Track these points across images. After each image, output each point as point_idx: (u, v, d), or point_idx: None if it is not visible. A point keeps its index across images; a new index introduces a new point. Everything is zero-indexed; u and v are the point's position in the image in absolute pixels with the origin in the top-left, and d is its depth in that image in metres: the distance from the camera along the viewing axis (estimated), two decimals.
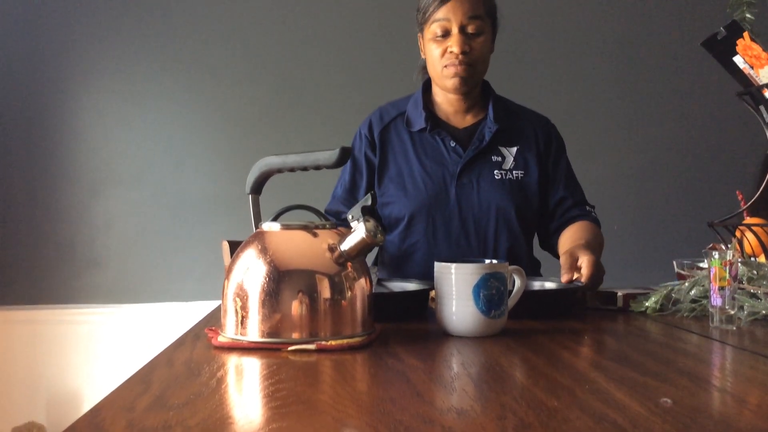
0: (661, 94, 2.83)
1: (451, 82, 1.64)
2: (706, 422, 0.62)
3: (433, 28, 1.61)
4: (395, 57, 2.69)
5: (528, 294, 1.28)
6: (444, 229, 1.66)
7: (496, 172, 1.68)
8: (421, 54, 1.73)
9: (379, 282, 1.35)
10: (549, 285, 1.36)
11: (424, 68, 1.76)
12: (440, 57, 1.62)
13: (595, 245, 1.56)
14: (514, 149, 1.71)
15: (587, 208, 1.76)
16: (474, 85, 1.68)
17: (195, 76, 2.72)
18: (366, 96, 2.68)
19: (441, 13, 1.60)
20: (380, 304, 1.09)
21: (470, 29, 1.60)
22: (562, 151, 1.79)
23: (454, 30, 1.60)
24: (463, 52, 1.60)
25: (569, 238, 1.64)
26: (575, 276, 1.35)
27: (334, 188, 1.81)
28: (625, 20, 2.83)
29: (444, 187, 1.66)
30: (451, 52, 1.60)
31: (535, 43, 2.78)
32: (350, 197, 1.75)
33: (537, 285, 1.38)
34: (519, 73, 2.69)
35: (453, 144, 1.68)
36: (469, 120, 1.73)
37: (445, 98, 1.72)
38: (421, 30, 1.67)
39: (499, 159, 1.69)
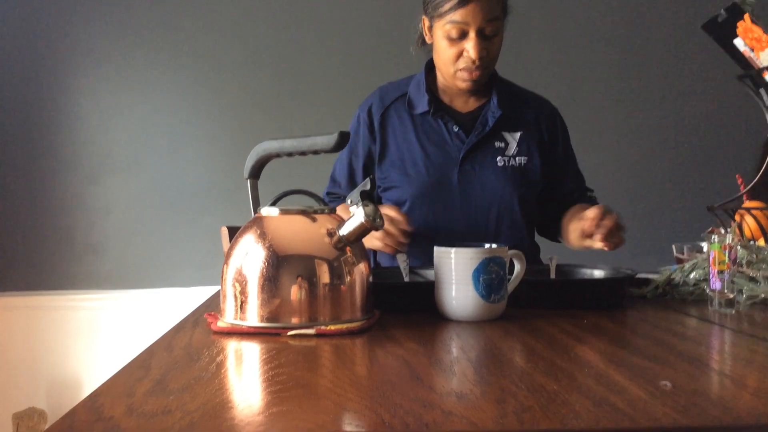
0: (660, 77, 2.82)
1: (463, 85, 1.61)
2: (705, 405, 0.62)
3: (448, 28, 1.54)
4: (393, 42, 2.67)
5: (579, 283, 1.27)
6: (445, 214, 1.65)
7: (498, 158, 1.66)
8: (425, 35, 1.67)
9: (413, 270, 1.32)
10: (598, 273, 1.30)
11: (423, 41, 1.70)
12: (454, 59, 1.57)
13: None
14: (518, 134, 1.69)
15: (589, 193, 1.76)
16: (483, 83, 1.65)
17: (192, 63, 2.70)
18: (364, 81, 2.66)
19: (459, 15, 1.52)
20: (422, 293, 1.10)
21: (487, 31, 1.55)
22: (567, 139, 1.78)
23: (472, 34, 1.53)
24: (480, 58, 1.55)
25: (573, 214, 1.62)
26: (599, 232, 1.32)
27: (333, 170, 1.79)
28: (625, 2, 2.82)
29: (446, 172, 1.65)
30: (467, 57, 1.55)
31: (534, 28, 2.77)
32: (348, 181, 1.74)
33: (586, 273, 1.32)
34: (517, 58, 2.67)
35: (456, 129, 1.67)
36: (472, 104, 1.71)
37: (449, 84, 1.69)
38: (431, 19, 1.61)
39: (502, 145, 1.68)
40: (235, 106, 2.71)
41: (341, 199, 1.72)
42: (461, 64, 1.57)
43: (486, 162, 1.66)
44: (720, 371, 0.77)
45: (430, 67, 1.73)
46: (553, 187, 1.73)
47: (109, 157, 2.69)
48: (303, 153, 1.06)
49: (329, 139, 1.02)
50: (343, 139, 1.01)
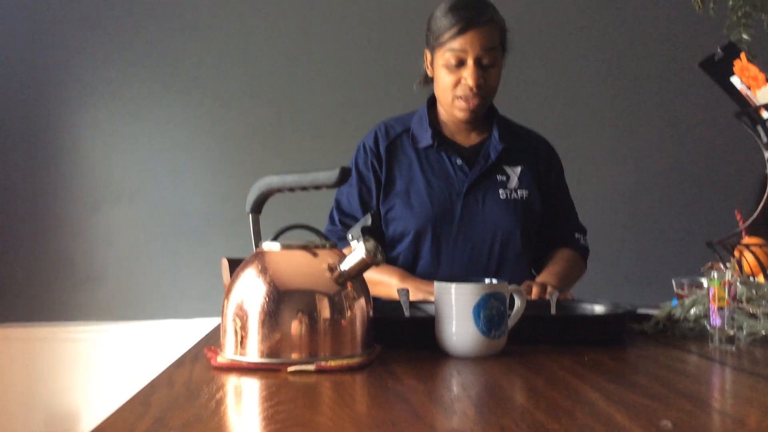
0: (659, 113, 2.84)
1: (461, 114, 1.64)
2: None
3: (447, 57, 1.59)
4: (395, 75, 2.70)
5: (579, 319, 1.27)
6: (448, 247, 1.66)
7: (501, 191, 1.68)
8: (427, 69, 1.71)
9: (413, 305, 1.32)
10: (598, 309, 1.30)
11: (425, 78, 1.75)
12: (452, 86, 1.61)
13: (563, 274, 1.63)
14: (518, 169, 1.72)
15: (576, 236, 1.79)
16: (481, 114, 1.68)
17: (195, 94, 2.73)
18: (367, 114, 2.68)
19: (457, 43, 1.57)
20: (423, 328, 1.10)
21: (485, 61, 1.59)
22: (562, 176, 1.82)
23: (470, 62, 1.58)
24: (477, 86, 1.59)
25: (546, 266, 1.68)
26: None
27: (336, 204, 1.77)
28: (623, 41, 2.85)
29: (450, 204, 1.67)
30: (465, 84, 1.59)
31: (535, 62, 2.80)
32: (363, 213, 1.72)
33: (587, 309, 1.32)
34: (518, 90, 2.70)
35: (459, 162, 1.69)
36: (474, 138, 1.74)
37: (450, 118, 1.72)
38: (432, 50, 1.66)
39: (504, 178, 1.70)
40: (236, 137, 2.73)
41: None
42: (459, 91, 1.61)
43: (489, 195, 1.68)
44: (721, 410, 0.77)
45: (432, 103, 1.75)
46: (544, 223, 1.75)
47: (111, 186, 2.70)
48: (304, 188, 1.06)
49: (331, 175, 1.03)
50: (345, 174, 1.02)
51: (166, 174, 2.71)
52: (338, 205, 1.77)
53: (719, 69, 1.40)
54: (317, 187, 1.06)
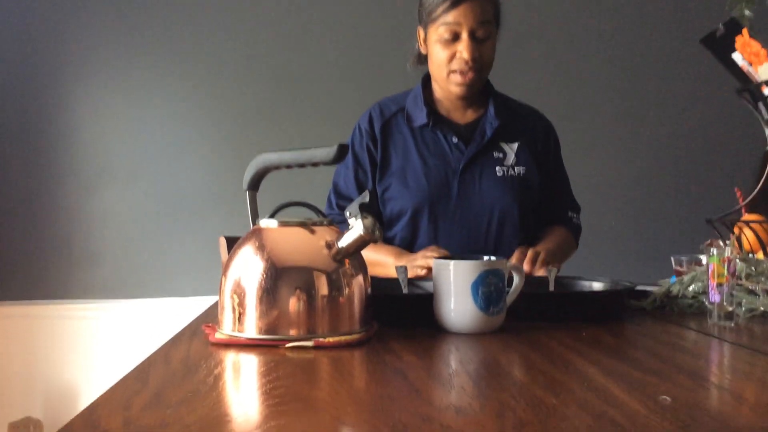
0: (659, 90, 2.83)
1: (457, 89, 1.62)
2: (704, 419, 0.62)
3: (441, 31, 1.57)
4: (393, 52, 2.68)
5: (578, 295, 1.27)
6: (446, 224, 1.66)
7: (498, 168, 1.68)
8: (420, 47, 1.70)
9: (411, 282, 1.32)
10: (597, 286, 1.30)
11: (419, 57, 1.74)
12: (447, 61, 1.60)
13: (553, 251, 1.61)
14: (515, 145, 1.71)
15: (570, 214, 1.79)
16: (477, 89, 1.67)
17: (192, 72, 2.71)
18: (364, 92, 2.67)
19: (451, 16, 1.56)
20: (421, 305, 1.10)
21: (479, 34, 1.57)
22: (559, 153, 1.82)
23: (464, 35, 1.56)
24: (473, 59, 1.57)
25: (539, 242, 1.68)
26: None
27: (333, 187, 1.77)
28: (624, 17, 2.83)
29: (446, 182, 1.66)
30: (460, 58, 1.58)
31: (533, 41, 2.77)
32: (359, 194, 1.72)
33: (585, 286, 1.32)
34: (517, 71, 2.68)
35: (455, 140, 1.68)
36: (469, 116, 1.73)
37: (445, 95, 1.70)
38: (425, 26, 1.64)
39: (501, 155, 1.69)
40: (234, 116, 2.71)
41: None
42: (454, 65, 1.60)
43: (485, 172, 1.67)
44: (719, 385, 0.77)
45: (427, 81, 1.74)
46: (540, 200, 1.74)
47: (107, 166, 2.69)
48: (302, 165, 1.06)
49: (328, 152, 1.02)
50: (342, 151, 1.01)
51: (163, 152, 2.70)
52: (335, 188, 1.77)
53: (721, 45, 1.39)
54: (315, 164, 1.05)
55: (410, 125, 1.71)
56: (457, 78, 1.61)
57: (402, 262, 1.50)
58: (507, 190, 1.66)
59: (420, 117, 1.69)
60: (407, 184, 1.67)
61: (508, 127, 1.71)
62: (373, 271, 1.50)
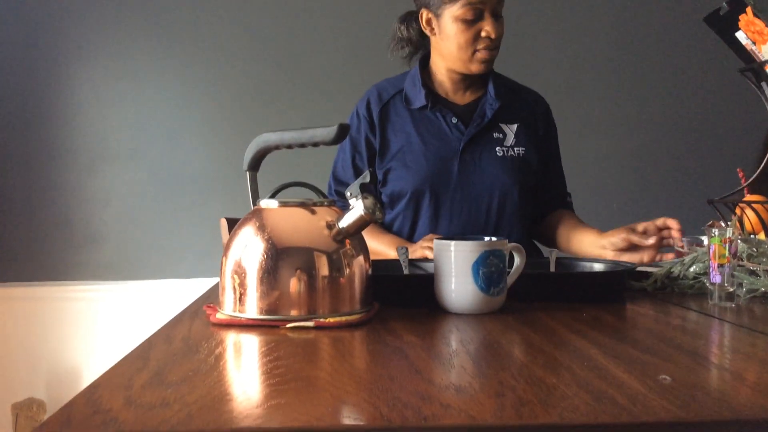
0: (661, 70, 2.81)
1: (480, 67, 1.63)
2: (704, 399, 0.62)
3: (463, 12, 1.57)
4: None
5: (578, 276, 1.27)
6: (446, 205, 1.66)
7: (498, 148, 1.68)
8: (425, 30, 1.68)
9: (412, 263, 1.32)
10: (597, 266, 1.30)
11: (408, 40, 1.74)
12: (471, 40, 1.59)
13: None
14: (515, 126, 1.71)
15: (569, 199, 1.82)
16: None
17: (192, 53, 2.70)
18: (364, 72, 2.65)
19: None
20: (421, 286, 1.10)
21: (498, 11, 1.60)
22: (557, 138, 1.82)
23: (488, 14, 1.58)
24: (498, 37, 1.59)
25: (576, 226, 1.66)
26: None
27: (334, 170, 1.78)
28: None
29: (446, 163, 1.66)
30: (486, 36, 1.58)
31: (534, 20, 2.75)
32: (353, 180, 1.72)
33: (586, 266, 1.31)
34: (517, 51, 2.66)
35: (455, 120, 1.68)
36: (468, 97, 1.72)
37: (447, 76, 1.70)
38: (435, 8, 1.62)
39: (500, 136, 1.69)
40: (234, 96, 2.70)
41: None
42: (480, 44, 1.60)
43: (485, 152, 1.67)
44: (719, 365, 0.77)
45: (424, 64, 1.74)
46: (539, 184, 1.75)
47: (108, 146, 2.68)
48: (302, 145, 1.05)
49: (329, 132, 1.02)
50: (343, 131, 1.01)
51: (163, 133, 2.69)
52: (333, 173, 1.77)
53: (724, 23, 1.38)
54: (315, 144, 1.05)
55: (409, 107, 1.70)
56: (482, 55, 1.61)
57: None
58: (507, 170, 1.66)
59: (419, 98, 1.69)
60: (407, 166, 1.67)
61: (507, 108, 1.70)
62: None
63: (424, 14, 1.65)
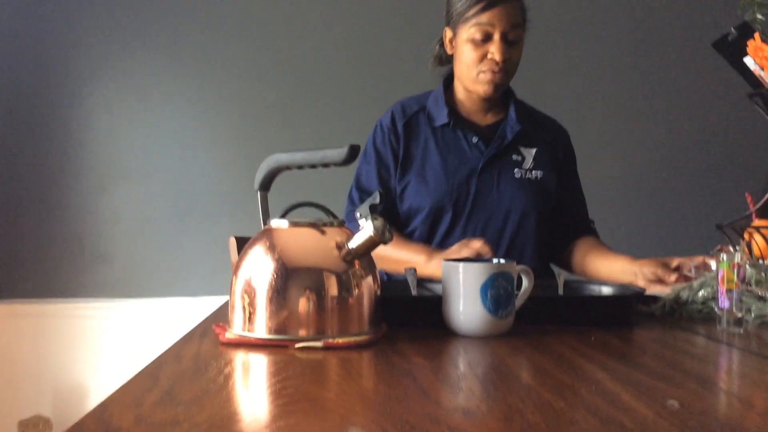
0: (670, 94, 2.82)
1: (484, 89, 1.65)
2: (713, 425, 0.62)
3: (473, 32, 1.60)
4: (406, 53, 2.68)
5: (587, 300, 1.26)
6: (462, 223, 1.67)
7: (516, 170, 1.70)
8: (446, 47, 1.72)
9: (421, 284, 1.32)
10: (606, 290, 1.29)
11: (440, 58, 1.77)
12: (477, 61, 1.62)
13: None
14: (533, 150, 1.73)
15: (592, 225, 1.82)
16: (502, 91, 1.70)
17: (203, 72, 2.72)
18: (376, 92, 2.68)
19: (485, 17, 1.58)
20: (430, 307, 1.10)
21: (511, 37, 1.61)
22: (576, 165, 1.84)
23: (496, 36, 1.59)
24: (503, 60, 1.60)
25: (605, 252, 1.66)
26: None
27: (356, 183, 1.77)
28: (635, 21, 2.82)
29: (465, 181, 1.68)
30: (491, 59, 1.60)
31: (544, 41, 2.77)
32: (387, 196, 1.72)
33: (595, 290, 1.31)
34: (527, 70, 2.68)
35: (475, 140, 1.70)
36: (489, 118, 1.75)
37: (468, 96, 1.73)
38: (453, 27, 1.66)
39: (519, 158, 1.71)
40: (245, 115, 2.73)
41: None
42: (484, 66, 1.62)
43: (504, 173, 1.69)
44: (727, 391, 0.77)
45: (448, 83, 1.77)
46: (561, 211, 1.75)
47: (119, 164, 2.70)
48: (313, 166, 1.06)
49: (340, 153, 1.02)
50: (354, 152, 1.02)
51: (174, 152, 2.72)
52: (357, 184, 1.77)
53: (732, 49, 1.39)
54: (326, 165, 1.06)
55: (431, 124, 1.72)
56: (485, 77, 1.63)
57: (434, 261, 1.49)
58: (524, 193, 1.68)
59: (441, 116, 1.71)
60: (427, 182, 1.68)
61: (527, 132, 1.73)
62: (397, 269, 1.51)
63: (447, 33, 1.70)
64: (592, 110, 2.78)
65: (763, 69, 1.36)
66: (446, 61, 1.77)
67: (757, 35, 1.38)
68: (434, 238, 1.69)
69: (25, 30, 2.68)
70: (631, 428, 0.60)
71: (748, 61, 1.38)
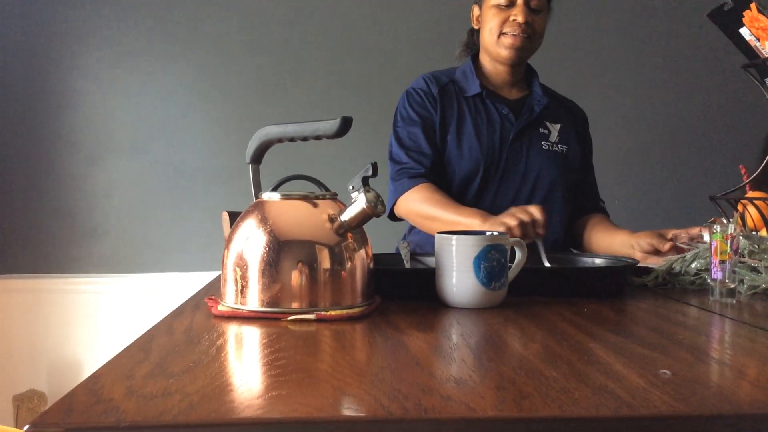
0: (663, 66, 2.81)
1: (507, 52, 1.68)
2: (704, 393, 0.62)
3: None
4: (398, 27, 2.66)
5: (580, 271, 1.26)
6: (492, 190, 1.69)
7: (543, 143, 1.73)
8: (473, 24, 1.78)
9: (414, 257, 1.32)
10: (599, 262, 1.30)
11: (467, 45, 1.83)
12: (501, 24, 1.66)
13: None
14: (558, 126, 1.79)
15: (601, 203, 1.86)
16: (526, 59, 1.74)
17: (195, 45, 2.70)
18: (369, 66, 2.66)
19: None
20: (423, 280, 1.10)
21: (533, 4, 1.66)
22: (592, 147, 1.90)
23: (520, 1, 1.64)
24: (526, 23, 1.64)
25: (609, 227, 1.70)
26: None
27: (398, 144, 1.71)
28: None
29: (496, 151, 1.71)
30: (514, 20, 1.65)
31: None
32: (432, 150, 1.69)
33: (587, 261, 1.32)
34: None
35: (506, 111, 1.73)
36: (515, 93, 1.80)
37: (494, 70, 1.76)
38: (480, 1, 1.73)
39: (546, 132, 1.76)
40: (237, 90, 2.70)
41: (431, 170, 1.68)
42: (507, 28, 1.66)
43: (533, 144, 1.73)
44: (720, 360, 0.77)
45: (476, 59, 1.81)
46: (579, 187, 1.79)
47: (110, 139, 2.68)
48: (305, 138, 1.05)
49: (331, 125, 1.02)
50: (345, 124, 1.01)
51: (166, 126, 2.70)
52: (401, 144, 1.71)
53: (728, 19, 1.38)
54: (318, 138, 1.05)
55: (462, 95, 1.74)
56: (508, 40, 1.67)
57: (488, 224, 1.46)
58: (552, 164, 1.73)
59: (473, 87, 1.74)
60: (461, 148, 1.69)
61: (551, 108, 1.78)
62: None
63: (474, 11, 1.76)
64: (584, 82, 2.76)
65: (758, 39, 1.35)
66: (474, 47, 1.83)
67: (753, 6, 1.37)
68: (464, 204, 1.68)
69: (13, 3, 2.64)
70: (623, 397, 0.60)
71: (744, 31, 1.37)
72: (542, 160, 1.72)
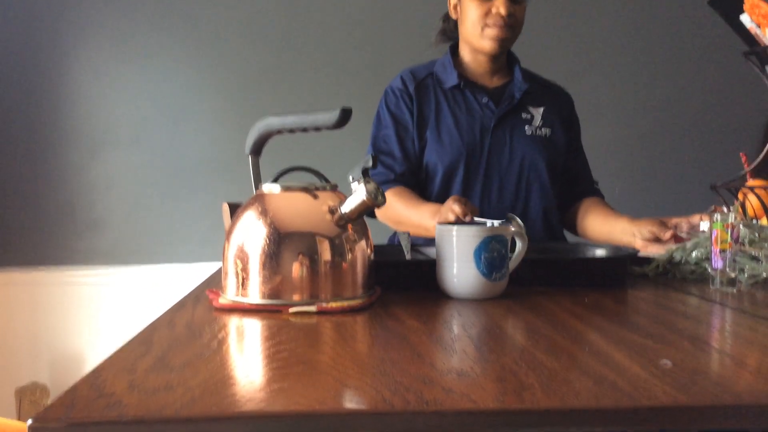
0: (664, 53, 2.79)
1: (490, 44, 1.68)
2: (705, 383, 0.62)
3: None
4: (398, 16, 2.65)
5: (580, 261, 1.26)
6: (478, 180, 1.70)
7: (526, 127, 1.74)
8: (451, 13, 1.76)
9: (414, 248, 1.32)
10: (600, 252, 1.29)
11: (444, 32, 1.82)
12: (483, 16, 1.65)
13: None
14: (541, 109, 1.78)
15: (596, 186, 1.86)
16: (508, 48, 1.74)
17: (194, 36, 2.68)
18: (368, 57, 2.65)
19: None
20: (424, 271, 1.10)
21: None
22: (579, 128, 1.87)
23: None
24: (508, 14, 1.64)
25: (608, 213, 1.69)
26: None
27: (373, 145, 1.76)
28: None
29: (478, 140, 1.71)
30: (496, 13, 1.64)
31: (535, 6, 2.73)
32: (402, 153, 1.72)
33: (588, 251, 1.32)
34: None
35: (485, 100, 1.72)
36: (496, 81, 1.79)
37: (475, 60, 1.76)
38: None
39: (528, 117, 1.76)
40: (237, 81, 2.69)
41: (401, 175, 1.71)
42: (489, 20, 1.66)
43: (515, 131, 1.73)
44: (720, 350, 0.77)
45: (454, 51, 1.77)
46: (565, 173, 1.78)
47: (110, 131, 2.68)
48: (305, 129, 1.05)
49: (331, 116, 1.01)
50: (345, 115, 1.01)
51: (166, 117, 2.69)
52: (375, 148, 1.77)
53: (729, 6, 1.37)
54: (317, 129, 1.04)
55: (441, 87, 1.75)
56: (491, 32, 1.66)
57: (436, 219, 1.46)
58: (536, 148, 1.72)
59: (451, 79, 1.74)
60: (442, 141, 1.70)
61: (533, 93, 1.77)
62: (416, 233, 1.52)
63: (452, 0, 1.74)
64: (583, 73, 2.75)
65: (759, 26, 1.34)
66: (451, 35, 1.82)
67: None
68: (449, 196, 1.68)
69: None
70: (624, 387, 0.60)
71: (745, 18, 1.37)
72: (526, 145, 1.71)
